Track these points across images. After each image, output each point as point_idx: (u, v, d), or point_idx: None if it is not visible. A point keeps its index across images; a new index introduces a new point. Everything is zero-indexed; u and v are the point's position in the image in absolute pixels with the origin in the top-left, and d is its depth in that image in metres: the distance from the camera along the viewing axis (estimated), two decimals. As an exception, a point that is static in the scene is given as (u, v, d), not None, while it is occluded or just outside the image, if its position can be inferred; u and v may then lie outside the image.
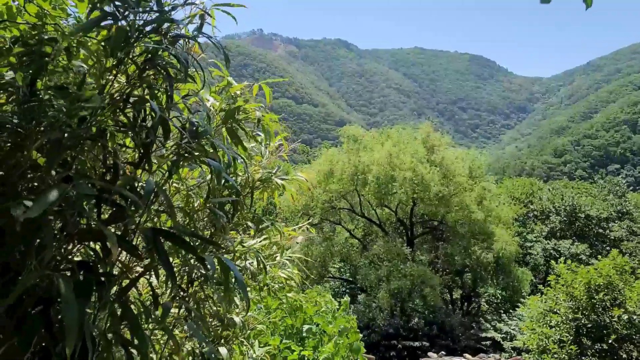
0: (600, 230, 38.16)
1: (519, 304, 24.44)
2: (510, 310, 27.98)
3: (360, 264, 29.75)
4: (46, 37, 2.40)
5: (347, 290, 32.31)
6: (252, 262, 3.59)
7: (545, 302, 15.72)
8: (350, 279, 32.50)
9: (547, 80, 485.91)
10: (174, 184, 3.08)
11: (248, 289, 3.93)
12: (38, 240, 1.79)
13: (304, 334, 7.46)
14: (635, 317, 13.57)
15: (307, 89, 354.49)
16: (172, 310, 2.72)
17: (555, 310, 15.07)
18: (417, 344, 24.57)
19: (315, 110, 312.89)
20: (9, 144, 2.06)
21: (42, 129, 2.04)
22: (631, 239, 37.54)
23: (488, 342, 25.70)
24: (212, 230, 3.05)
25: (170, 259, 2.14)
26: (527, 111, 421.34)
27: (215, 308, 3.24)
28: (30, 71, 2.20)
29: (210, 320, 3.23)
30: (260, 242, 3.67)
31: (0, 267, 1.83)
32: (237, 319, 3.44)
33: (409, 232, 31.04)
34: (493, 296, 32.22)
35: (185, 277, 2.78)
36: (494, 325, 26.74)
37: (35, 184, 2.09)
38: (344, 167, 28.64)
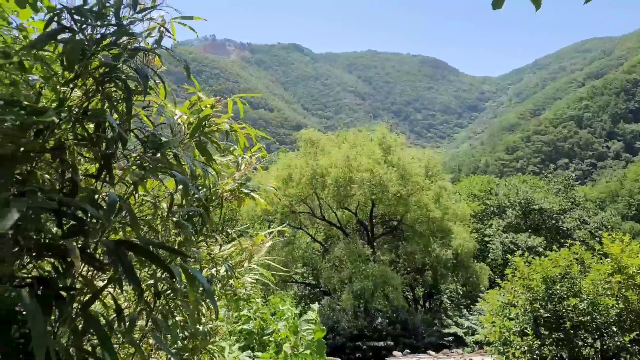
0: (553, 222, 39.50)
1: (479, 299, 24.95)
2: (471, 305, 28.56)
3: (322, 267, 29.76)
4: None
5: (311, 295, 32.29)
6: (220, 270, 3.58)
7: (503, 295, 16.07)
8: (314, 282, 32.49)
9: (497, 79, 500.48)
10: (141, 196, 3.03)
11: (216, 297, 3.92)
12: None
13: (264, 339, 7.39)
14: (589, 305, 14.04)
15: (262, 93, 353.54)
16: (139, 322, 2.66)
17: (513, 302, 15.43)
18: (381, 344, 24.74)
19: (272, 115, 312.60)
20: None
21: None
22: (582, 228, 39.04)
23: (450, 338, 26.13)
24: (180, 240, 3.00)
25: (138, 273, 2.09)
26: (478, 110, 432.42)
27: (181, 318, 3.19)
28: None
29: (177, 331, 3.17)
30: (228, 249, 3.68)
31: None
32: (204, 329, 3.39)
33: (370, 233, 31.27)
34: (454, 292, 32.82)
35: (152, 290, 2.71)
36: (455, 320, 27.21)
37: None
38: (302, 171, 28.63)
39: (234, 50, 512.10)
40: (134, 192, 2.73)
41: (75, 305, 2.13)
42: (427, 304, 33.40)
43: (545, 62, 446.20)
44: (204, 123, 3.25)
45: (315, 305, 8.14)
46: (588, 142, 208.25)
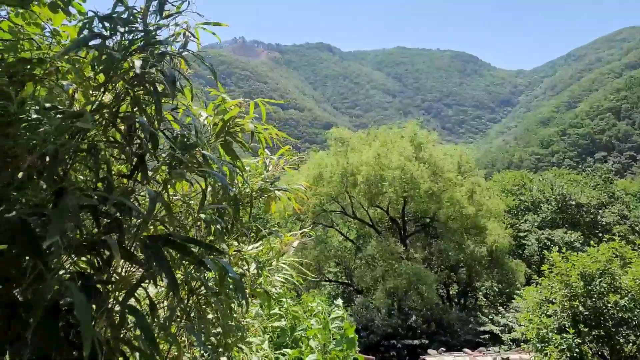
0: (591, 217, 38.45)
1: (515, 296, 24.53)
2: (507, 303, 28.09)
3: (355, 265, 29.71)
4: (34, 58, 2.45)
5: (345, 294, 32.28)
6: (250, 268, 3.65)
7: (540, 292, 15.76)
8: (347, 281, 32.48)
9: (530, 72, 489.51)
10: (171, 195, 3.11)
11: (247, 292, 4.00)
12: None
13: (296, 336, 7.42)
14: (630, 301, 13.65)
15: (292, 94, 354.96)
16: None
17: (551, 299, 15.12)
18: (416, 342, 24.57)
19: (301, 115, 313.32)
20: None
21: (32, 144, 2.09)
22: (622, 223, 37.87)
23: (487, 336, 25.76)
24: (212, 239, 3.07)
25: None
26: (512, 104, 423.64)
27: (215, 315, 3.25)
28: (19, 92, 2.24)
29: (211, 327, 3.25)
30: (256, 248, 3.74)
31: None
32: (238, 326, 3.46)
33: (402, 230, 31.07)
34: (489, 289, 32.33)
35: (186, 287, 2.78)
36: (491, 318, 26.81)
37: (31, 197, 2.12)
38: (333, 169, 28.65)
39: (263, 51, 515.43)
40: (164, 192, 2.79)
41: (110, 300, 2.19)
42: (462, 302, 32.99)
43: (580, 53, 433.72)
44: (228, 124, 3.30)
45: (339, 301, 8.15)
46: (627, 134, 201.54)
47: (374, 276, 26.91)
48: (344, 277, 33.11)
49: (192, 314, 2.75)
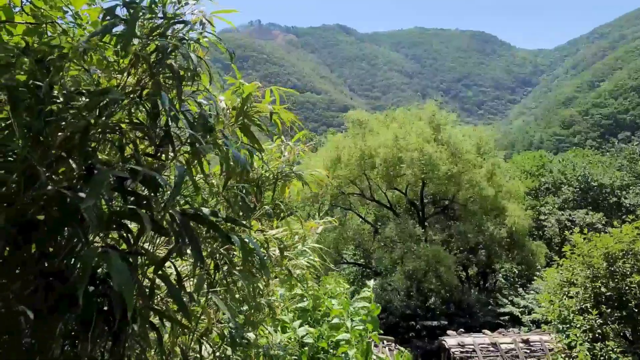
0: (615, 199, 37.80)
1: (535, 278, 24.38)
2: (527, 284, 27.95)
3: (373, 248, 29.77)
4: (58, 43, 2.50)
5: (363, 277, 32.42)
6: (275, 251, 3.72)
7: (561, 273, 15.65)
8: (365, 263, 32.58)
9: (551, 51, 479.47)
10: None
11: (273, 275, 4.07)
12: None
13: (317, 316, 7.51)
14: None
15: (309, 77, 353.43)
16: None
17: (572, 280, 15.00)
18: (435, 323, 24.66)
19: (319, 98, 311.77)
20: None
21: (62, 124, 2.19)
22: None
23: (506, 317, 25.74)
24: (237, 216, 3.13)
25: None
26: (532, 84, 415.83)
27: (242, 293, 3.32)
28: (48, 78, 2.28)
29: (238, 304, 3.31)
30: (280, 231, 3.80)
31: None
32: (264, 302, 3.52)
33: (421, 212, 30.99)
34: (509, 271, 32.17)
35: (212, 263, 2.84)
36: (511, 300, 26.73)
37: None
38: (351, 152, 28.59)
39: (280, 34, 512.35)
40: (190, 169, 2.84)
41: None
42: (481, 284, 32.91)
43: (604, 30, 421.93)
44: (246, 107, 3.34)
45: (371, 282, 8.21)
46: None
47: (392, 258, 26.95)
48: (362, 260, 33.23)
49: (219, 290, 2.81)
